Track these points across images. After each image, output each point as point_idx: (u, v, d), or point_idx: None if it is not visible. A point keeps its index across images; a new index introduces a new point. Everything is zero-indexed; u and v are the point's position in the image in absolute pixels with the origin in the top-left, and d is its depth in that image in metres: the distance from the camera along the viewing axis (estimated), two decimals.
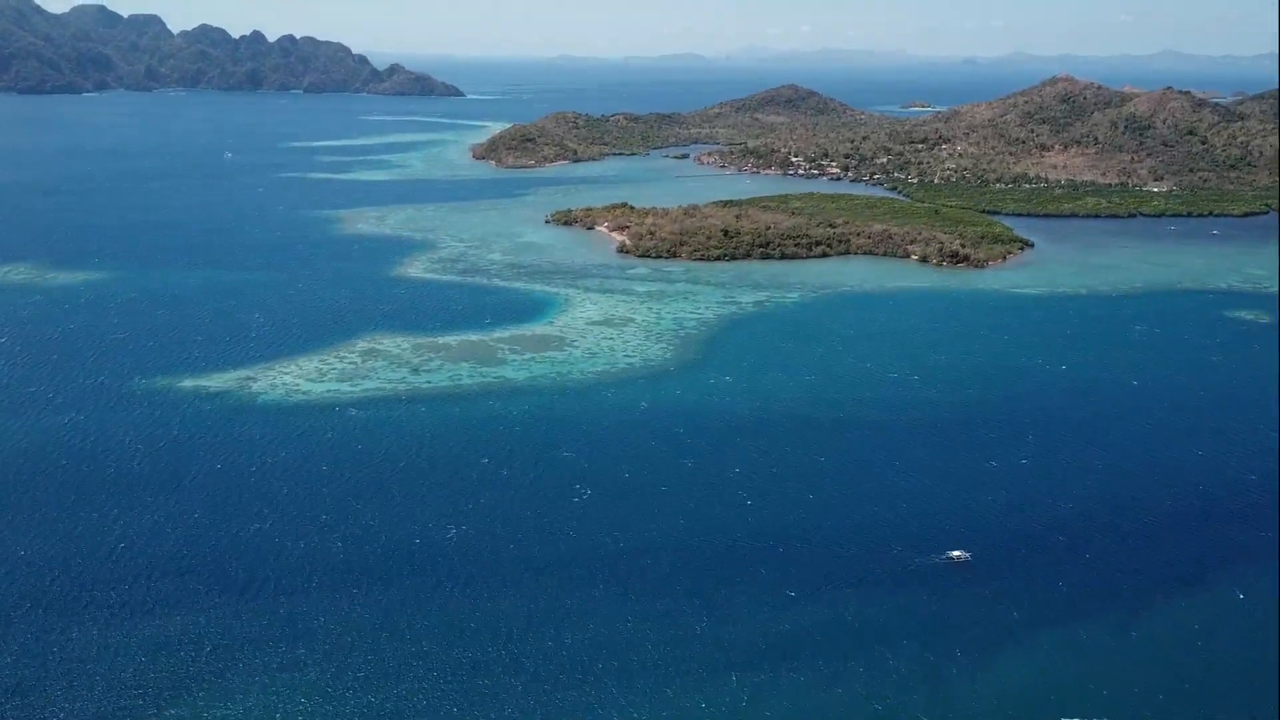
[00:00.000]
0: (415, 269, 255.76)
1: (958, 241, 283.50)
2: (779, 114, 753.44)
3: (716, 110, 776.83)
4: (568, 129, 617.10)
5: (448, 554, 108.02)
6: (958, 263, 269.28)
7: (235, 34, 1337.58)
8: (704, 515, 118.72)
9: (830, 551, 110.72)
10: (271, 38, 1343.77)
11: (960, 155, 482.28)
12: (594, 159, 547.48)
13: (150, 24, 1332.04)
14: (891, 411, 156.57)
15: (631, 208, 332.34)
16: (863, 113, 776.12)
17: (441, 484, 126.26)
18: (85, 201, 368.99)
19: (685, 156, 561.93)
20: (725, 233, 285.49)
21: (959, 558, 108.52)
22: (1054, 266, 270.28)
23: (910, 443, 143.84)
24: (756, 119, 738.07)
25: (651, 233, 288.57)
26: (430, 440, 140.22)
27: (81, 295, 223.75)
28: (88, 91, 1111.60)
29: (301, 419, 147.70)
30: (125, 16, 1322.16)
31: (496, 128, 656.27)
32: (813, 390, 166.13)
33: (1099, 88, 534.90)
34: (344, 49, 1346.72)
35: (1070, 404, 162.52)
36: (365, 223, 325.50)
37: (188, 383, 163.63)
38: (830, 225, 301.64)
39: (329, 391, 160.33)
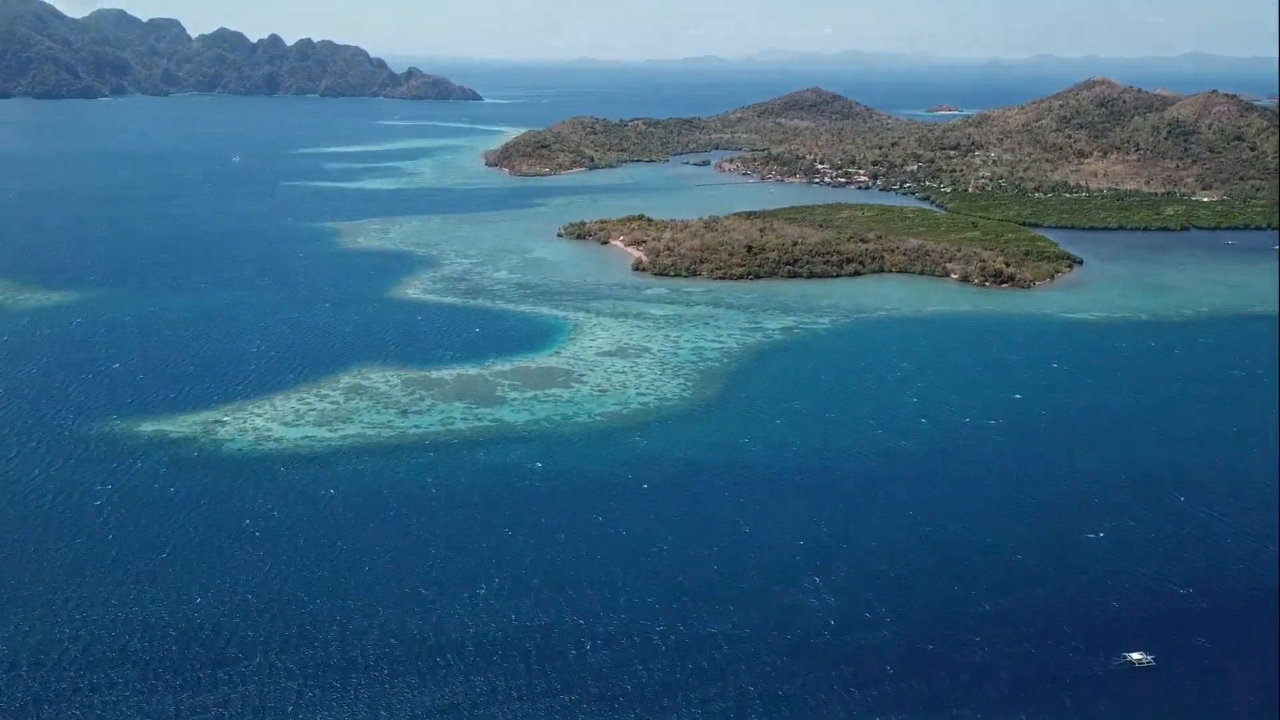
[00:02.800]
0: (415, 289, 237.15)
1: (1000, 259, 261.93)
2: (802, 118, 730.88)
3: (738, 115, 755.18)
4: (584, 135, 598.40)
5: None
6: (1002, 283, 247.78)
7: (253, 38, 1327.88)
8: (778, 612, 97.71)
9: (973, 657, 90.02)
10: (290, 41, 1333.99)
11: (995, 162, 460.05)
12: (611, 166, 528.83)
13: (169, 28, 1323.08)
14: (976, 466, 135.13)
15: (649, 220, 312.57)
16: (888, 117, 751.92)
17: (393, 569, 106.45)
18: (79, 212, 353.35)
19: (706, 163, 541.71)
20: (749, 249, 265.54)
21: (1140, 661, 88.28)
22: (1109, 287, 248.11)
23: (1013, 506, 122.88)
24: (779, 123, 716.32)
25: (670, 249, 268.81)
26: (402, 509, 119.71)
27: (48, 320, 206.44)
28: (104, 96, 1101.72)
29: (265, 476, 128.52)
30: (144, 20, 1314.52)
31: (512, 133, 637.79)
32: (866, 437, 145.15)
33: (1138, 92, 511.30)
34: (361, 52, 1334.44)
35: (1197, 457, 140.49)
36: (367, 236, 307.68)
37: (147, 427, 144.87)
38: (862, 240, 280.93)
39: (304, 438, 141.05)
